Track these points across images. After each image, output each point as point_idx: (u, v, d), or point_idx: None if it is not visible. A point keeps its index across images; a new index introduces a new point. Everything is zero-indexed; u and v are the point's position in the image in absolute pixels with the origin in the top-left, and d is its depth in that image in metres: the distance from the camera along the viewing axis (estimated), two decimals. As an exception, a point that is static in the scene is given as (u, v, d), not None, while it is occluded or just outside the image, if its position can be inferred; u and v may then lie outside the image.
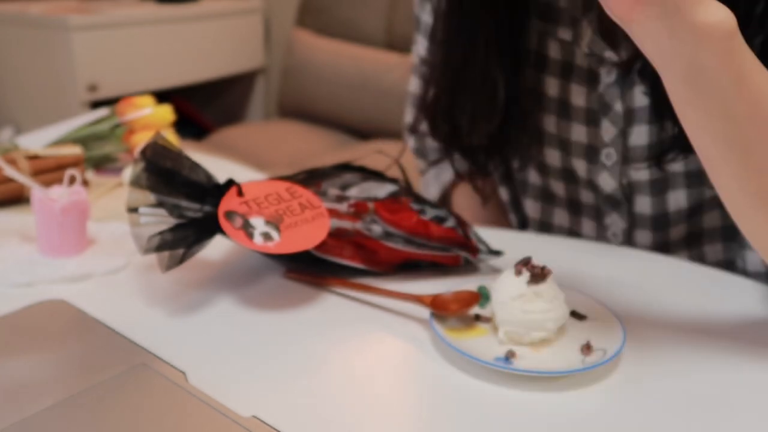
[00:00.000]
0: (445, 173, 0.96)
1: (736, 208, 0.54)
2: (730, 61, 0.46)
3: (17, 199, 0.84)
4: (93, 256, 0.69)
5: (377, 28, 2.45)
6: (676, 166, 0.72)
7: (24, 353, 0.54)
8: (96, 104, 2.11)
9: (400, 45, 2.38)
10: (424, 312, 0.59)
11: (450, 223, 0.68)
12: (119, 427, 0.46)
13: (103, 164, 1.00)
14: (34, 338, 0.56)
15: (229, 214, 0.60)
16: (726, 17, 0.45)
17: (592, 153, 0.77)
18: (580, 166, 0.79)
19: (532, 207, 0.89)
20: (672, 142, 0.69)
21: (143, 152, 0.60)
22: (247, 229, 0.60)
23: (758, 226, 0.53)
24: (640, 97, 0.72)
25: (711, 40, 0.45)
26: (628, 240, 0.81)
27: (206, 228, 0.61)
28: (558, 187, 0.84)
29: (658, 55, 0.48)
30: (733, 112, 0.48)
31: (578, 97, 0.75)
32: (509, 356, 0.53)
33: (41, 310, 0.60)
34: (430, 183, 0.98)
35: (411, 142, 0.99)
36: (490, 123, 0.76)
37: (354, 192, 0.67)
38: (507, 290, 0.54)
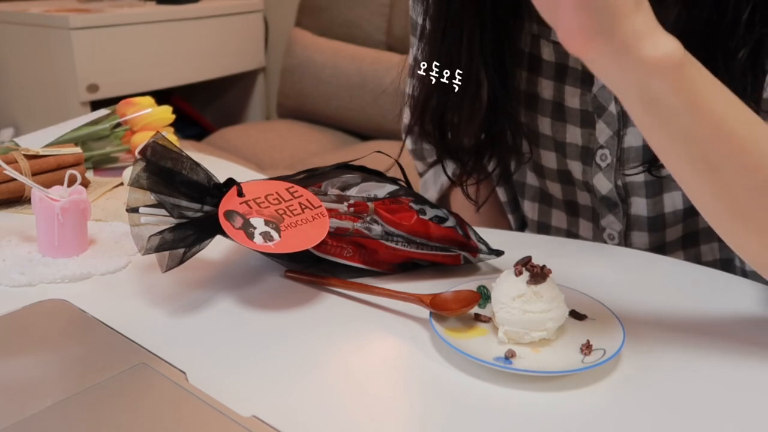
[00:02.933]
0: (443, 175, 0.96)
1: (713, 222, 0.54)
2: (682, 90, 0.47)
3: (17, 199, 0.84)
4: (93, 256, 0.69)
5: (377, 29, 2.45)
6: None
7: (24, 353, 0.54)
8: (96, 104, 2.11)
9: (399, 45, 2.38)
10: (424, 312, 0.59)
11: (450, 223, 0.68)
12: (119, 427, 0.46)
13: (103, 164, 1.00)
14: (34, 338, 0.56)
15: (229, 214, 0.60)
16: (673, 49, 0.46)
17: (587, 155, 0.77)
18: (575, 167, 0.79)
19: (530, 208, 0.89)
20: None
21: (143, 152, 0.60)
22: (247, 229, 0.60)
23: (739, 238, 0.54)
24: None
25: (660, 73, 0.46)
26: (625, 241, 0.81)
27: (206, 228, 0.61)
28: (555, 189, 0.84)
29: (614, 87, 0.49)
30: (693, 135, 0.49)
31: (573, 98, 0.75)
32: (509, 356, 0.53)
33: (41, 310, 0.60)
34: (429, 185, 0.99)
35: (409, 143, 0.99)
36: (472, 123, 0.76)
37: (354, 192, 0.67)
38: (507, 290, 0.54)
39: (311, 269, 0.66)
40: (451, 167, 0.86)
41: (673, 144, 0.50)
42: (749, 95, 0.62)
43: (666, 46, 0.46)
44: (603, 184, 0.78)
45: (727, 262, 0.81)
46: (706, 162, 0.50)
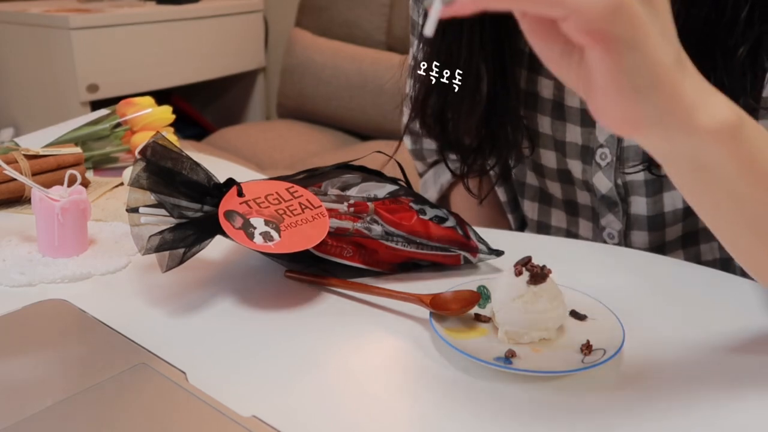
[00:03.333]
0: (443, 175, 0.97)
1: (756, 269, 0.53)
2: (737, 154, 0.44)
3: (17, 199, 0.84)
4: (93, 256, 0.69)
5: (377, 29, 2.45)
6: None
7: (24, 353, 0.54)
8: (96, 104, 2.11)
9: (399, 45, 2.38)
10: (424, 312, 0.59)
11: (450, 223, 0.68)
12: (119, 427, 0.46)
13: (103, 164, 1.00)
14: (34, 338, 0.56)
15: (229, 214, 0.60)
16: (728, 115, 0.43)
17: (587, 153, 0.77)
18: (575, 166, 0.79)
19: (529, 208, 0.89)
20: None
21: (143, 152, 0.60)
22: (247, 229, 0.60)
23: None
24: None
25: (716, 142, 0.43)
26: (625, 240, 0.81)
27: (206, 228, 0.61)
28: (555, 188, 0.84)
29: (661, 157, 0.46)
30: (745, 197, 0.47)
31: (572, 97, 0.75)
32: (509, 356, 0.53)
33: (41, 310, 0.60)
34: (429, 185, 0.99)
35: (408, 143, 0.99)
36: (472, 118, 0.76)
37: (354, 192, 0.67)
38: (507, 290, 0.54)
39: (311, 269, 0.66)
40: (452, 163, 0.86)
41: (720, 205, 0.48)
42: (749, 93, 0.62)
43: (721, 112, 0.42)
44: (603, 183, 0.78)
45: (726, 261, 0.81)
46: (756, 220, 0.48)
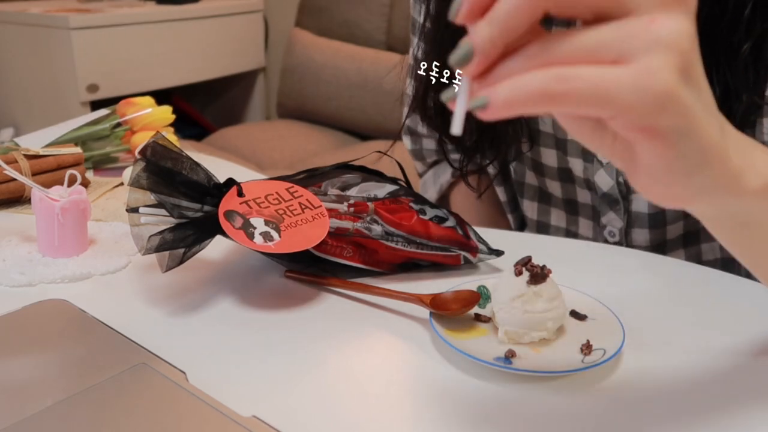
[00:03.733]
0: (443, 175, 0.97)
1: None
2: None
3: (17, 199, 0.84)
4: (93, 256, 0.69)
5: (377, 29, 2.45)
6: None
7: (24, 353, 0.54)
8: (96, 104, 2.11)
9: (399, 45, 2.38)
10: (424, 312, 0.59)
11: (450, 223, 0.68)
12: (119, 427, 0.46)
13: (103, 164, 1.00)
14: (34, 338, 0.56)
15: (229, 214, 0.60)
16: None
17: (588, 151, 0.77)
18: (576, 165, 0.79)
19: (529, 207, 0.89)
20: None
21: (143, 152, 0.60)
22: (247, 229, 0.60)
23: None
24: None
25: (762, 200, 0.42)
26: (626, 239, 0.81)
27: (206, 228, 0.61)
28: (554, 188, 0.84)
29: (706, 219, 0.45)
30: None
31: None
32: (509, 356, 0.53)
33: (41, 310, 0.60)
34: (429, 185, 0.99)
35: (408, 144, 0.99)
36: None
37: (354, 192, 0.67)
38: (507, 290, 0.54)
39: (311, 269, 0.66)
40: (453, 159, 0.86)
41: (763, 257, 0.47)
42: (752, 90, 0.62)
43: (766, 167, 0.41)
44: (604, 180, 0.78)
45: (728, 261, 0.81)
46: None
